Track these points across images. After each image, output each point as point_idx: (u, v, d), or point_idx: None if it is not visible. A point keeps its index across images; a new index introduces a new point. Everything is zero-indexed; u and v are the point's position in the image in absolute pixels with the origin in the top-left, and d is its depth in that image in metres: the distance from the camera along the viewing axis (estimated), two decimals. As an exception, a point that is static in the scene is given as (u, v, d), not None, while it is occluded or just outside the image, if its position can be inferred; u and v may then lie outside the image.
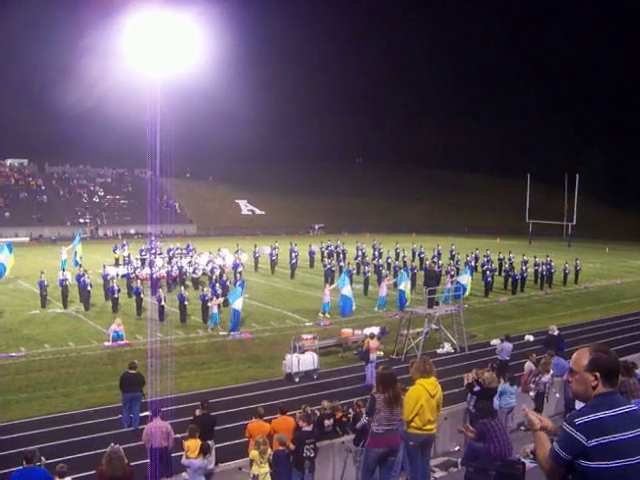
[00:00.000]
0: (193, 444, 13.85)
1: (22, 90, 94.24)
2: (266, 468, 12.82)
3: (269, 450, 13.03)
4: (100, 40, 79.51)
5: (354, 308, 35.57)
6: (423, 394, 9.67)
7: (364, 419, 10.62)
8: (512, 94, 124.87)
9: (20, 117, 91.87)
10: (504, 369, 22.14)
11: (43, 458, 12.66)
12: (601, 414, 4.19)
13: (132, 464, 12.67)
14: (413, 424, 9.73)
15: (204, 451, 12.89)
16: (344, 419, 15.88)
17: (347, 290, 35.18)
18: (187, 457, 13.45)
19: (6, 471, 11.86)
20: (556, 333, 24.91)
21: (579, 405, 4.58)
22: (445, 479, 11.97)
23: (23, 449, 12.20)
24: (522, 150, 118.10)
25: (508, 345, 24.02)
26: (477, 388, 16.07)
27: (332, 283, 39.28)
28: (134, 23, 77.17)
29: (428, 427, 9.81)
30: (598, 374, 4.34)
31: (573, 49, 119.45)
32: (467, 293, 40.90)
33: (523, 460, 10.08)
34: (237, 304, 31.38)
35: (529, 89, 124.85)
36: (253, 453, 13.07)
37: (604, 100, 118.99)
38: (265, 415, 15.92)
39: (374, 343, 25.60)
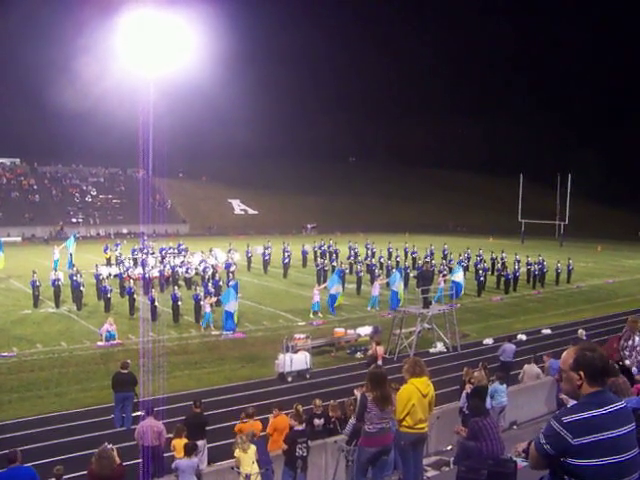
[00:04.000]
0: (180, 443, 13.87)
1: (14, 89, 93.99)
2: (255, 467, 12.83)
3: (252, 447, 13.04)
4: (94, 39, 79.47)
5: (335, 305, 35.91)
6: (415, 393, 9.67)
7: (352, 421, 10.64)
8: (505, 93, 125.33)
9: (12, 116, 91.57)
10: (506, 370, 22.18)
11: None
12: (589, 413, 4.21)
13: (124, 464, 12.65)
14: (404, 423, 9.74)
15: (189, 451, 12.86)
16: (342, 417, 15.91)
17: (335, 290, 35.50)
18: (175, 457, 13.48)
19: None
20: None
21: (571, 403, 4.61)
22: (438, 478, 11.98)
23: (14, 449, 12.13)
24: (514, 149, 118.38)
25: (510, 346, 23.98)
26: (468, 389, 16.10)
27: (325, 282, 39.34)
28: (128, 23, 77.15)
29: (420, 426, 9.82)
30: (582, 373, 4.37)
31: (566, 47, 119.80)
32: (464, 290, 41.10)
33: (515, 459, 10.11)
34: (230, 306, 31.37)
35: (522, 88, 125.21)
36: (236, 452, 13.12)
37: (597, 99, 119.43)
38: (255, 415, 15.95)
39: (381, 349, 25.65)
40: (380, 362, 23.96)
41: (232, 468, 13.31)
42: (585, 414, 4.22)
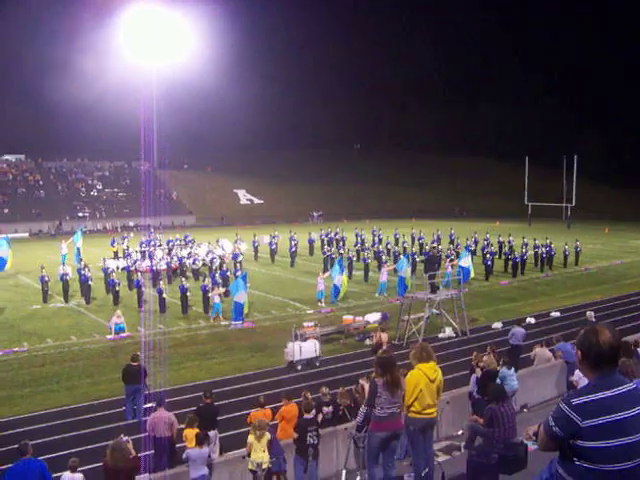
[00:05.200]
0: (190, 433, 13.92)
1: (17, 86, 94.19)
2: (266, 456, 12.88)
3: (267, 435, 13.09)
4: (97, 34, 79.67)
5: (340, 297, 35.97)
6: (422, 378, 9.66)
7: (363, 409, 10.62)
8: (509, 76, 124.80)
9: (16, 113, 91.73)
10: (516, 354, 22.16)
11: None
12: (598, 395, 4.20)
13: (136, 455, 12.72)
14: (413, 408, 9.74)
15: (200, 441, 12.90)
16: (352, 404, 15.93)
17: (338, 280, 35.56)
18: (186, 447, 13.53)
19: (11, 465, 11.89)
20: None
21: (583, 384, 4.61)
22: (448, 463, 11.98)
23: (25, 442, 12.20)
24: (520, 133, 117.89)
25: (520, 330, 23.95)
26: (478, 373, 16.10)
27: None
28: (131, 17, 77.16)
29: (428, 411, 9.81)
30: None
31: (571, 31, 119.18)
32: (472, 275, 41.05)
33: (525, 442, 10.12)
34: (239, 297, 31.42)
35: (527, 71, 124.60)
36: (250, 438, 13.17)
37: (602, 80, 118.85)
38: (266, 404, 15.99)
39: (385, 336, 25.69)
40: (385, 348, 23.99)
41: (243, 457, 13.37)
42: (594, 396, 4.20)
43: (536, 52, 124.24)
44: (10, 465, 11.95)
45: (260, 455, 12.96)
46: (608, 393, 4.21)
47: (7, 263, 42.57)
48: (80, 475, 12.58)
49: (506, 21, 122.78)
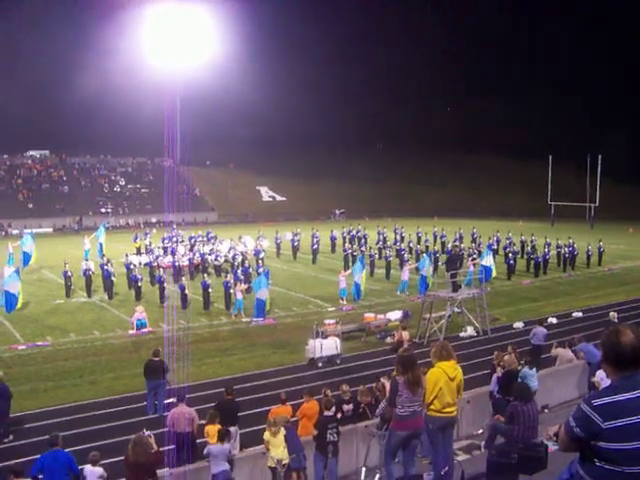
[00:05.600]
0: (212, 430, 13.99)
1: (42, 82, 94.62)
2: (286, 453, 12.95)
3: (282, 431, 13.16)
4: (121, 31, 80.00)
5: (362, 296, 35.91)
6: (442, 377, 9.66)
7: (382, 404, 10.65)
8: (532, 73, 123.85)
9: (41, 109, 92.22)
10: (537, 354, 22.08)
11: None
12: (620, 396, 4.19)
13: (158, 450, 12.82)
14: (432, 407, 9.74)
15: (222, 437, 12.96)
16: (372, 402, 15.94)
17: (358, 277, 35.56)
18: (208, 443, 13.61)
19: (36, 457, 12.03)
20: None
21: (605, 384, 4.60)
22: (468, 462, 11.96)
23: (55, 433, 12.38)
24: (543, 131, 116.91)
25: (542, 330, 23.87)
26: (499, 373, 16.06)
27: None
28: (154, 15, 77.48)
29: (448, 410, 9.81)
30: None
31: (591, 24, 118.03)
32: (494, 274, 40.88)
33: (546, 442, 10.08)
34: (261, 294, 31.55)
35: (548, 67, 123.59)
36: (265, 435, 13.25)
37: (626, 78, 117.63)
38: (287, 400, 16.05)
39: (406, 334, 25.66)
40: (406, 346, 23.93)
41: (263, 453, 13.43)
42: (616, 397, 4.19)
43: (558, 47, 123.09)
44: (38, 456, 12.10)
45: (280, 451, 13.02)
46: (630, 395, 4.19)
47: (32, 258, 42.98)
48: (101, 469, 12.70)
49: (524, 15, 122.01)
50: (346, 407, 15.56)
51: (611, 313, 24.92)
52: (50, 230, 74.35)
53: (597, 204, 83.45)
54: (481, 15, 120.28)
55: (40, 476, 11.91)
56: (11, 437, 17.83)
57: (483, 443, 13.61)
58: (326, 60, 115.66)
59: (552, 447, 9.55)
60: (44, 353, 26.16)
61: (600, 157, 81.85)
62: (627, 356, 4.27)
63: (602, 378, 13.08)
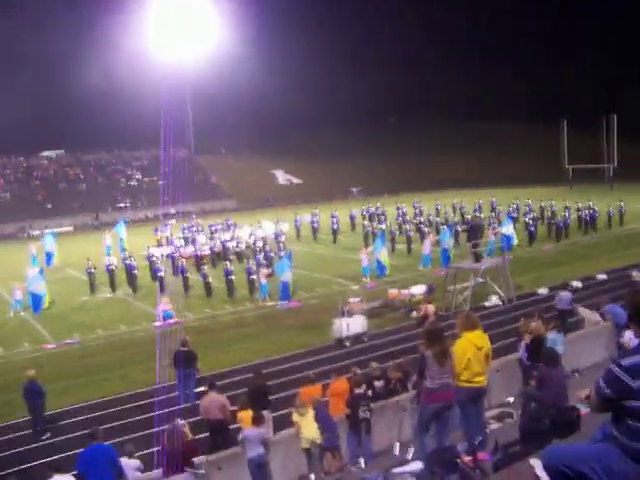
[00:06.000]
0: (246, 415, 14.08)
1: (51, 82, 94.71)
2: (317, 432, 13.03)
3: (310, 410, 13.23)
4: (124, 24, 79.88)
5: (387, 272, 36.00)
6: (469, 347, 9.66)
7: (414, 377, 10.67)
8: (541, 35, 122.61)
9: (53, 109, 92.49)
10: (564, 318, 22.00)
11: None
12: None
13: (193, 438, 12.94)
14: (462, 377, 9.75)
15: (257, 421, 13.04)
16: (403, 377, 15.95)
17: (379, 254, 35.63)
18: (242, 428, 13.69)
19: (74, 452, 12.14)
20: (639, 279, 24.33)
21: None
22: (500, 430, 11.95)
23: (95, 427, 12.50)
24: (555, 95, 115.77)
25: (566, 294, 23.73)
26: (527, 340, 15.99)
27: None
28: (156, 5, 77.12)
29: (477, 379, 9.82)
30: (629, 313, 4.40)
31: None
32: (515, 242, 40.75)
33: (578, 406, 10.07)
34: (285, 276, 31.67)
35: (559, 30, 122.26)
36: (294, 417, 13.33)
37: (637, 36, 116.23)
38: (317, 380, 16.10)
39: (432, 308, 25.54)
40: (432, 319, 23.90)
41: (297, 435, 13.50)
42: None
43: (568, 11, 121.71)
44: (78, 451, 12.21)
45: (311, 431, 13.09)
46: None
47: (54, 257, 43.32)
48: (137, 461, 12.83)
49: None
50: (377, 384, 15.59)
51: (634, 272, 24.78)
52: (71, 229, 74.74)
53: (615, 164, 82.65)
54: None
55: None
56: (48, 434, 18.05)
57: (519, 412, 13.60)
58: (331, 39, 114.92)
59: (584, 410, 9.54)
60: (73, 350, 26.42)
61: (615, 116, 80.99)
62: None
63: (630, 338, 13.01)
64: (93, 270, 36.86)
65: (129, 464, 12.52)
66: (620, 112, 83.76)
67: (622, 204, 50.09)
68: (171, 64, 75.85)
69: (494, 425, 12.71)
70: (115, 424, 17.99)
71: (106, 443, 12.39)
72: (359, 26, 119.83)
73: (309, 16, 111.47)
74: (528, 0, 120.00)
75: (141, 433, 17.00)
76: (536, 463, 5.78)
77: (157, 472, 12.45)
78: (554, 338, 15.92)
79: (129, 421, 18.46)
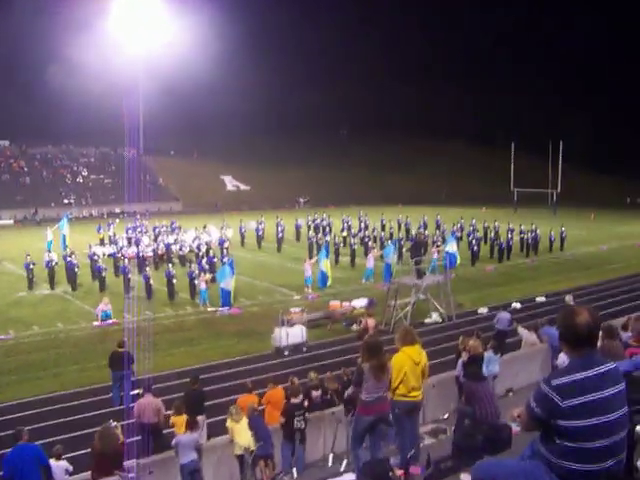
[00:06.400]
0: (179, 420, 13.99)
1: (0, 71, 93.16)
2: (252, 440, 13.00)
3: (244, 418, 13.21)
4: (83, 18, 79.02)
5: (329, 283, 36.12)
6: (407, 361, 9.74)
7: (350, 389, 10.71)
8: (496, 61, 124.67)
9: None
10: (501, 338, 22.31)
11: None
12: (578, 375, 4.27)
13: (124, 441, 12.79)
14: (398, 391, 9.82)
15: (191, 426, 12.96)
16: (340, 389, 15.98)
17: (323, 265, 35.73)
18: (175, 433, 13.60)
19: (8, 451, 11.87)
20: (572, 303, 24.79)
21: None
22: (434, 446, 12.10)
23: (20, 428, 12.24)
24: (506, 118, 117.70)
25: (505, 314, 24.15)
26: (464, 357, 16.18)
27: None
28: (114, 4, 76.42)
29: (413, 394, 9.90)
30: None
31: (556, 15, 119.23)
32: (459, 260, 41.22)
33: (510, 424, 10.21)
34: (226, 284, 31.51)
35: (513, 56, 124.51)
36: (228, 423, 13.31)
37: (587, 65, 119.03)
38: (254, 389, 16.07)
39: (372, 322, 25.74)
40: (371, 333, 24.03)
41: (230, 442, 13.44)
42: (573, 376, 4.27)
43: (521, 35, 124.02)
44: (6, 451, 11.96)
45: (245, 438, 13.06)
46: (587, 373, 4.27)
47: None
48: (65, 462, 12.62)
49: (494, 5, 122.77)
50: (315, 394, 15.61)
51: (567, 296, 25.34)
52: (11, 222, 73.35)
53: (559, 190, 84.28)
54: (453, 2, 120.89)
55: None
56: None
57: (452, 428, 13.75)
58: (288, 48, 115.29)
59: (516, 428, 9.68)
60: (7, 346, 25.87)
61: (562, 143, 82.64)
62: (583, 335, 4.36)
63: (564, 360, 13.23)
64: (32, 266, 36.19)
65: (58, 466, 12.32)
66: (570, 139, 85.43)
67: (563, 229, 51.09)
68: (125, 62, 75.27)
69: (428, 440, 12.84)
70: (47, 424, 17.69)
71: (33, 443, 12.18)
72: (314, 37, 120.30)
73: (264, 23, 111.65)
74: (488, 26, 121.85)
75: (73, 434, 16.71)
76: (466, 478, 5.86)
77: (86, 475, 12.27)
78: (489, 357, 16.14)
79: (61, 421, 18.15)
